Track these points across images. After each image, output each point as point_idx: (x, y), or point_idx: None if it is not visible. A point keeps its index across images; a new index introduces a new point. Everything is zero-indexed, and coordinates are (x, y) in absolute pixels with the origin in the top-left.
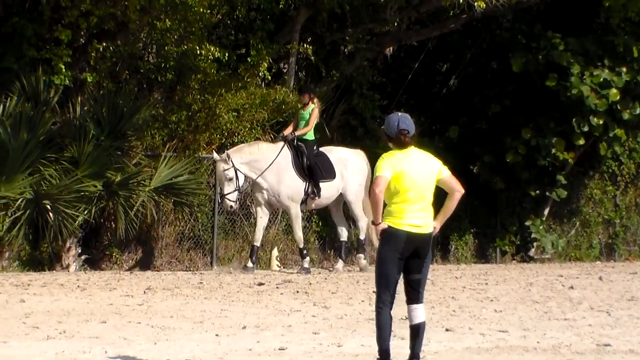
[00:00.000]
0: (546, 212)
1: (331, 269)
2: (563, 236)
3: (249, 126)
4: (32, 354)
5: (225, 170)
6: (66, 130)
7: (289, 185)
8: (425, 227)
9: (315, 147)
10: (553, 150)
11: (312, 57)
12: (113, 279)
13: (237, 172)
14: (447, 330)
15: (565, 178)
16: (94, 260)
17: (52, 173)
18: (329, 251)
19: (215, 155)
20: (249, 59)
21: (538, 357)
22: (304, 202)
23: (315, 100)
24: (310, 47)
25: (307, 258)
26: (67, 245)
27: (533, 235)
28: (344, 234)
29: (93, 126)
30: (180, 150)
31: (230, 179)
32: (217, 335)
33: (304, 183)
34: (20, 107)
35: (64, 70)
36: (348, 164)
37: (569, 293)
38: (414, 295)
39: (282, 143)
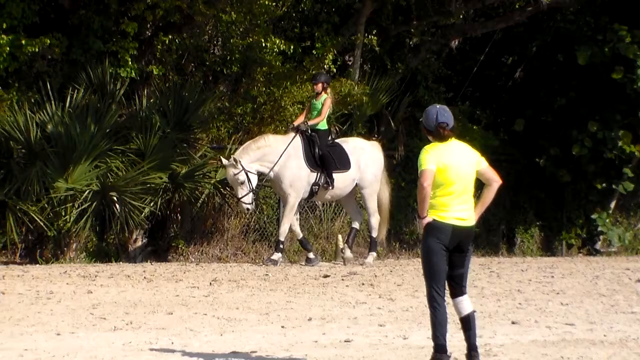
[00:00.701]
0: (612, 205)
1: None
2: (630, 229)
3: None
4: (100, 344)
5: (235, 174)
6: (132, 123)
7: (293, 171)
8: (469, 220)
9: (329, 138)
10: (619, 143)
11: (377, 49)
12: (179, 271)
13: (248, 173)
14: (513, 323)
15: (632, 171)
16: (160, 251)
17: (119, 165)
18: (394, 244)
19: (223, 160)
20: (314, 52)
21: (605, 350)
22: (315, 193)
23: (329, 89)
24: (375, 38)
25: (279, 254)
26: (134, 236)
27: (599, 229)
28: (356, 223)
29: (159, 118)
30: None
31: (242, 182)
32: (282, 327)
33: (314, 173)
34: (87, 99)
35: (130, 62)
36: (364, 153)
37: (635, 286)
38: (458, 290)
39: (292, 134)
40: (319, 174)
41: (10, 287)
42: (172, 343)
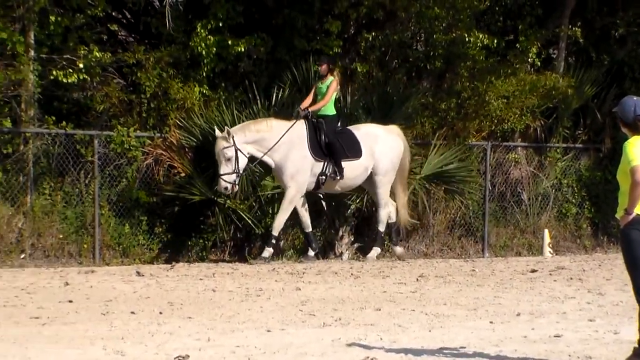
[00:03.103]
0: None
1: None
2: None
3: (519, 112)
4: (309, 340)
5: (224, 148)
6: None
7: (295, 162)
8: None
9: (338, 124)
10: None
11: (582, 41)
12: (386, 267)
13: (238, 152)
14: None
15: None
16: (366, 248)
17: None
18: (602, 237)
19: (217, 132)
20: (517, 45)
21: None
22: (322, 184)
23: (335, 72)
24: (580, 30)
25: (270, 249)
26: (340, 233)
27: None
28: (392, 215)
29: (364, 115)
30: (449, 138)
31: (229, 159)
32: (491, 322)
33: (320, 163)
34: (292, 97)
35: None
36: (378, 139)
37: None
38: None
39: (294, 120)
40: (325, 163)
41: (220, 284)
42: (381, 339)
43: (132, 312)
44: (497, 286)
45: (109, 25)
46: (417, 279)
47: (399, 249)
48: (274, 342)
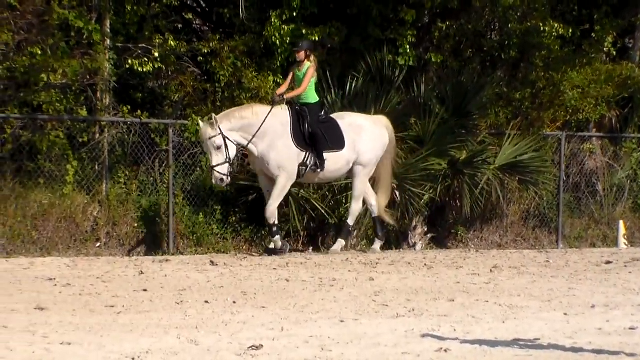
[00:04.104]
0: None
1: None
2: None
3: (594, 103)
4: (382, 331)
5: (211, 137)
6: (411, 109)
7: (280, 152)
8: None
9: (322, 113)
10: None
11: None
12: (459, 258)
13: (227, 140)
14: None
15: None
16: (439, 238)
17: (398, 152)
18: None
19: (200, 122)
20: (593, 35)
21: None
22: (301, 175)
23: (312, 57)
24: None
25: (277, 237)
26: (414, 223)
27: None
28: (374, 209)
29: (437, 105)
30: (524, 128)
31: (219, 148)
32: (565, 314)
33: (303, 153)
34: (366, 86)
35: (408, 50)
36: (362, 132)
37: None
38: None
39: (271, 106)
40: (308, 153)
41: (294, 274)
42: (455, 330)
43: (206, 301)
44: (571, 277)
45: (183, 14)
46: (491, 270)
47: (377, 245)
48: (347, 332)
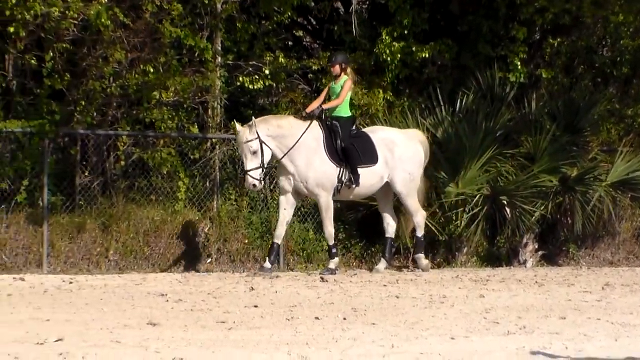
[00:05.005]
0: None
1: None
2: None
3: None
4: (493, 348)
5: (248, 141)
6: (521, 126)
7: (318, 170)
8: None
9: (354, 127)
10: None
11: None
12: (570, 275)
13: (263, 145)
14: None
15: None
16: (550, 255)
17: (508, 169)
18: None
19: (237, 125)
20: None
21: None
22: (337, 191)
23: (349, 70)
24: None
25: (336, 259)
26: (524, 240)
27: None
28: (390, 229)
29: (549, 121)
30: (636, 144)
31: (255, 153)
32: None
33: (338, 168)
34: (477, 103)
35: (519, 66)
36: (394, 147)
37: None
38: None
39: (309, 122)
40: (342, 169)
41: (404, 290)
42: (566, 348)
43: (317, 318)
44: None
45: (294, 31)
46: (603, 288)
47: (382, 265)
48: (458, 349)
